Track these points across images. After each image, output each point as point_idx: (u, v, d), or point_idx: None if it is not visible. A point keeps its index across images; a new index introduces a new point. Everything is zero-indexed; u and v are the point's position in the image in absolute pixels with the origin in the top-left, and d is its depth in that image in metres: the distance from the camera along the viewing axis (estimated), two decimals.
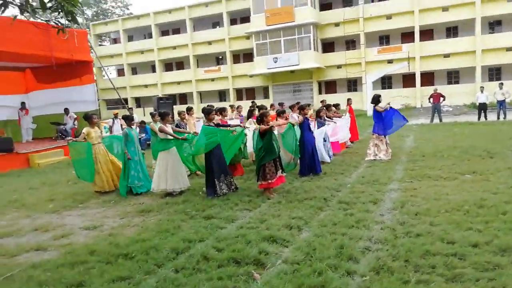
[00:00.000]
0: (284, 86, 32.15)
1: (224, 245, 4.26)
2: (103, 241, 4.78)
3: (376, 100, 9.50)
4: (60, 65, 15.01)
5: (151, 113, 9.30)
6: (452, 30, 28.35)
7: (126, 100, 38.77)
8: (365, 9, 28.74)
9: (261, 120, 6.53)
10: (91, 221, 5.90)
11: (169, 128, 7.28)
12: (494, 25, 27.44)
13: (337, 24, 29.98)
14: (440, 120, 17.59)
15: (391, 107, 9.16)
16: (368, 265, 3.55)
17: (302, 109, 8.07)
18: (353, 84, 31.26)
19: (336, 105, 11.72)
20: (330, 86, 32.37)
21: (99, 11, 49.28)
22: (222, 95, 36.32)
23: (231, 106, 12.19)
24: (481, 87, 17.81)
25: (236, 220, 5.29)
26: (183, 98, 37.92)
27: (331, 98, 28.63)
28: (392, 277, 3.30)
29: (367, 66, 29.01)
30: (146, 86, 38.11)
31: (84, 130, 7.48)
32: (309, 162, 7.85)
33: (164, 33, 38.36)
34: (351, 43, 31.09)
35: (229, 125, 7.48)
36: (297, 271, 3.54)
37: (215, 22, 35.97)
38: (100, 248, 4.50)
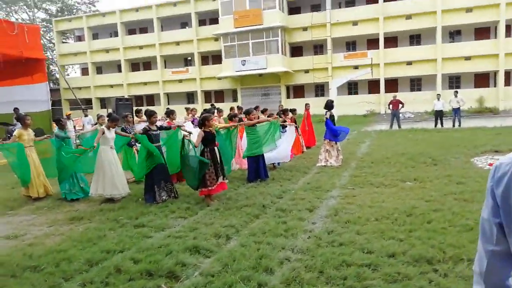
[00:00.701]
0: (252, 89, 32.08)
1: (143, 256, 4.06)
2: (18, 252, 4.47)
3: (329, 106, 9.55)
4: (9, 62, 14.30)
5: (97, 115, 8.96)
6: (415, 38, 29.19)
7: (90, 100, 37.70)
8: (332, 15, 29.12)
9: (202, 124, 6.37)
10: (15, 229, 5.56)
11: (111, 132, 7.02)
12: (454, 34, 28.45)
13: (305, 29, 30.22)
14: (399, 127, 18.00)
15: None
16: (281, 276, 3.45)
17: (248, 113, 7.98)
18: (320, 89, 31.59)
19: (293, 110, 11.70)
20: (298, 91, 32.57)
21: (63, 7, 47.57)
22: (190, 97, 35.84)
23: (187, 109, 11.99)
24: (438, 94, 18.38)
25: (167, 228, 5.11)
26: (151, 99, 37.18)
27: (298, 103, 28.99)
28: None
29: (334, 71, 29.39)
30: (111, 86, 37.08)
31: (16, 132, 7.11)
32: (255, 168, 7.76)
33: (131, 31, 37.50)
34: (319, 48, 31.41)
35: (169, 128, 7.28)
36: (209, 284, 3.41)
37: (183, 22, 35.49)
38: (11, 259, 4.21)
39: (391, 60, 28.05)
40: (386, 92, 28.24)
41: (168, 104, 34.91)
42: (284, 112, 10.63)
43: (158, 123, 7.44)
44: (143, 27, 36.92)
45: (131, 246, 4.44)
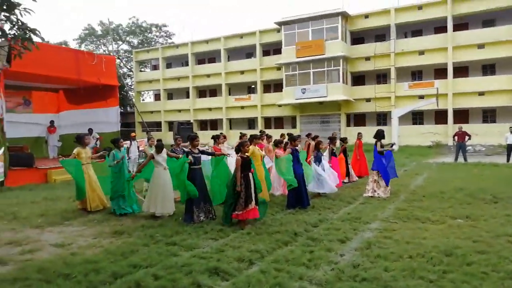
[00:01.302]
0: (312, 117, 32.03)
1: (165, 273, 4.21)
2: (59, 260, 4.86)
3: (380, 135, 9.24)
4: (88, 88, 15.99)
5: (148, 136, 9.58)
6: (489, 68, 27.28)
7: (160, 123, 40.35)
8: (397, 44, 28.42)
9: (238, 149, 6.52)
10: (64, 238, 6.04)
11: (162, 155, 7.41)
12: None
13: (367, 58, 29.79)
14: (465, 160, 16.68)
15: (389, 151, 8.96)
16: None
17: (293, 140, 7.99)
18: (382, 118, 30.58)
19: (343, 139, 11.48)
20: (359, 119, 31.85)
21: (144, 40, 52.18)
22: (251, 123, 36.71)
23: (241, 134, 12.30)
24: (510, 127, 16.78)
25: (196, 248, 5.23)
26: (214, 124, 38.73)
27: (358, 131, 28.26)
28: None
29: (397, 101, 28.36)
30: (179, 111, 39.37)
31: (75, 151, 7.82)
32: (296, 195, 7.67)
33: (200, 61, 39.86)
34: (382, 77, 30.67)
35: (211, 154, 7.51)
36: None
37: (248, 52, 36.94)
38: (51, 266, 4.58)
39: (461, 90, 26.41)
40: (455, 123, 26.44)
41: (230, 129, 36.10)
42: (331, 140, 10.48)
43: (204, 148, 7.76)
44: (211, 57, 39.06)
45: (157, 262, 4.61)
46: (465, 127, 18.43)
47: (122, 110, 44.49)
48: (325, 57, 29.27)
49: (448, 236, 5.42)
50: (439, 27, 27.86)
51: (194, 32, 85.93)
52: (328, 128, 30.57)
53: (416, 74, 29.88)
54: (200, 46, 38.09)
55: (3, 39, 12.68)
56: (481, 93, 25.91)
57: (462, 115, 27.23)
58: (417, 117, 29.40)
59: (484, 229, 5.71)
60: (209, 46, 37.47)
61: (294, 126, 32.99)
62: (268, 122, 35.72)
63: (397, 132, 24.47)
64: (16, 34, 3.77)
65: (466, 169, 13.94)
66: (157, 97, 44.15)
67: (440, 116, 27.94)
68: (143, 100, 48.60)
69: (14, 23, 3.73)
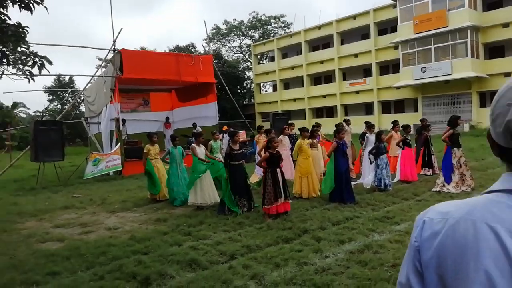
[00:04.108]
0: (436, 98, 28.62)
1: (149, 261, 4.70)
2: (93, 242, 5.82)
3: (453, 122, 7.98)
4: (188, 87, 17.74)
5: (193, 133, 10.23)
6: None
7: (277, 114, 41.65)
8: None
9: (268, 146, 6.58)
10: (119, 223, 7.12)
11: (201, 149, 8.01)
12: None
13: (506, 25, 24.99)
14: None
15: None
16: None
17: (337, 132, 7.58)
18: None
19: (426, 127, 10.16)
20: None
21: (264, 32, 54.22)
22: (368, 108, 34.84)
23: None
24: None
25: (202, 239, 5.59)
26: (330, 111, 38.07)
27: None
28: None
29: None
30: (295, 100, 39.92)
31: (145, 148, 8.96)
32: (337, 190, 7.30)
33: (315, 48, 39.46)
34: None
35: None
36: None
37: (364, 33, 34.92)
38: (82, 245, 5.56)
39: None
40: None
41: (346, 115, 34.95)
42: (405, 128, 9.47)
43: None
44: (325, 43, 38.27)
45: (155, 250, 5.14)
46: None
47: (246, 103, 47.56)
48: (448, 29, 25.73)
49: None
50: None
51: (306, 19, 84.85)
52: (457, 110, 26.87)
53: None
54: (312, 33, 37.73)
55: (116, 51, 14.77)
56: None
57: None
58: None
59: None
60: (321, 32, 36.79)
61: (416, 110, 30.08)
62: (386, 106, 33.39)
63: None
64: (24, 61, 4.65)
65: None
66: (274, 87, 45.60)
67: None
68: (265, 91, 50.82)
69: (24, 53, 4.61)
